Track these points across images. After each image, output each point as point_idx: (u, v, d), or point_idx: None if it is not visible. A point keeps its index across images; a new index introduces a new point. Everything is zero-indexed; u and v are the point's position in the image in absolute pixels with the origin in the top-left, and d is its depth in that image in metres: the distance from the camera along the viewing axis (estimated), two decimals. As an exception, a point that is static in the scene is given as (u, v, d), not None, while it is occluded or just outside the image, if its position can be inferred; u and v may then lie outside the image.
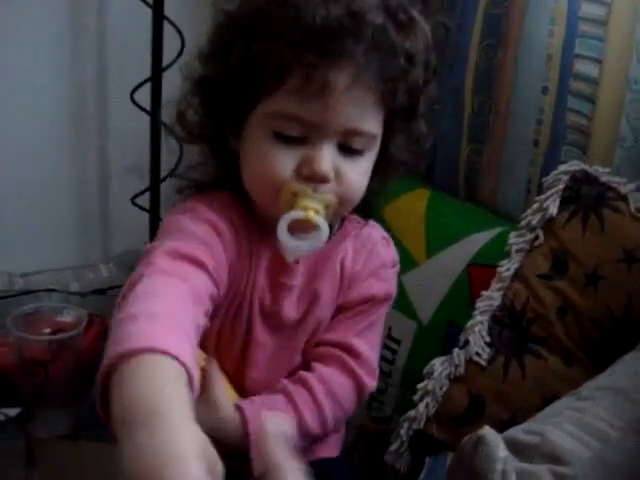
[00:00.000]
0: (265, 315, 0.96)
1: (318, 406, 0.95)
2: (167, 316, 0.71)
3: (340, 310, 1.00)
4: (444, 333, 1.32)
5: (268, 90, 0.85)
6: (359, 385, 0.98)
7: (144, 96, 1.60)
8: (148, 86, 1.60)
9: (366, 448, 1.29)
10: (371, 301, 1.00)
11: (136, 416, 0.59)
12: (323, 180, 0.86)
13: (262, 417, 0.88)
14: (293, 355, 0.99)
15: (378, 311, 1.02)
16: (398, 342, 1.35)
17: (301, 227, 0.86)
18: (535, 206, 1.20)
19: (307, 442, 0.95)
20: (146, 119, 1.60)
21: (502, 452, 0.87)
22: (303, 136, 0.85)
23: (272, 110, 0.85)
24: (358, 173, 0.89)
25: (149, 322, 0.68)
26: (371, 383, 1.00)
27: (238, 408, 0.92)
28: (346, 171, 0.87)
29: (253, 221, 0.94)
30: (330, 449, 1.04)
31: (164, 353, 0.64)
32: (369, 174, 0.92)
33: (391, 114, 0.89)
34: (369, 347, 1.00)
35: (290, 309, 0.96)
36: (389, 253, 1.03)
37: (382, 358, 1.35)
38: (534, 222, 1.19)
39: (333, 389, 0.96)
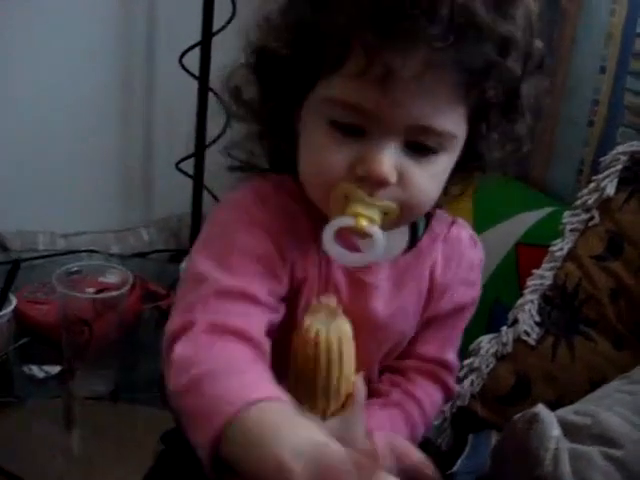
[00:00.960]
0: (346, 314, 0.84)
1: (426, 419, 0.91)
2: (248, 368, 0.68)
3: (431, 322, 0.91)
4: (488, 312, 1.30)
5: (328, 71, 0.73)
6: (448, 395, 0.95)
7: (193, 61, 1.59)
8: (197, 51, 1.59)
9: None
10: (462, 311, 0.92)
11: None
12: (381, 183, 0.72)
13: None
14: (372, 365, 0.90)
15: (466, 317, 0.94)
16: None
17: (354, 234, 0.76)
18: (592, 186, 1.18)
19: None
20: (194, 84, 1.60)
21: (556, 431, 0.85)
22: (362, 128, 0.72)
23: (329, 95, 0.73)
24: (427, 177, 0.75)
25: (236, 377, 0.66)
26: (455, 388, 0.97)
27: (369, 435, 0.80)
28: (412, 175, 0.73)
29: (317, 211, 0.81)
30: None
31: (271, 399, 0.64)
32: (444, 178, 0.78)
33: (481, 108, 0.75)
34: (456, 354, 0.96)
35: (379, 307, 0.85)
36: (477, 254, 0.92)
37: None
38: (590, 202, 1.16)
39: (434, 400, 0.93)
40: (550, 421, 0.86)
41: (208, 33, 1.57)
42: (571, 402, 1.02)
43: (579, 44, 1.36)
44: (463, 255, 0.90)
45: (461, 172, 0.81)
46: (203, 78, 1.58)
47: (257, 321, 0.74)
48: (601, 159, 1.20)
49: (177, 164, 1.66)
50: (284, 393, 0.66)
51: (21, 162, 1.66)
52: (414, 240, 0.88)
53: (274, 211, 0.79)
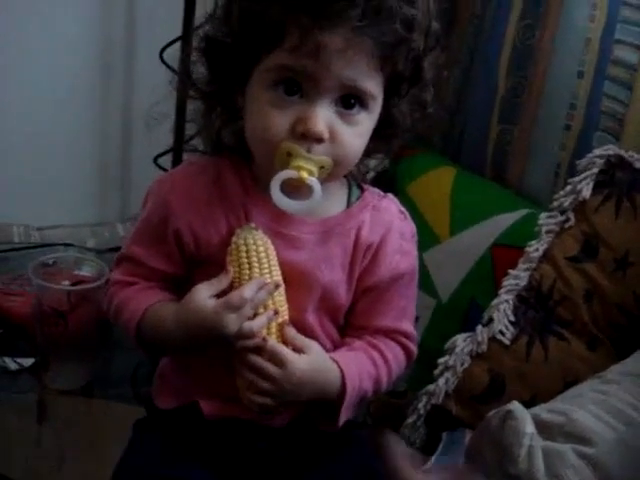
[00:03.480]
0: None
1: (389, 372, 0.98)
2: (136, 295, 0.97)
3: (375, 292, 0.99)
4: (464, 312, 1.31)
5: (267, 49, 0.87)
6: (409, 357, 1.02)
7: (174, 55, 1.59)
8: (178, 45, 1.58)
9: (379, 421, 1.28)
10: (402, 279, 0.99)
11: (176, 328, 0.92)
12: (317, 139, 0.87)
13: (355, 374, 0.94)
14: (303, 311, 0.96)
15: (411, 285, 1.02)
16: (416, 319, 1.33)
17: (295, 188, 0.87)
18: (568, 188, 1.19)
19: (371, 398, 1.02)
20: (174, 79, 1.59)
21: (529, 428, 0.87)
22: (300, 86, 0.87)
23: (270, 65, 0.87)
24: (354, 135, 0.90)
25: (132, 303, 0.96)
26: (415, 350, 1.03)
27: (333, 361, 0.95)
28: (342, 132, 0.88)
29: (251, 182, 0.96)
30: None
31: (154, 303, 0.95)
32: (366, 137, 0.92)
33: (393, 79, 0.91)
34: (412, 322, 1.03)
35: (302, 256, 0.95)
36: (407, 226, 1.02)
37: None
38: (566, 204, 1.18)
39: (397, 355, 1.00)
40: (524, 418, 0.88)
41: (189, 27, 1.56)
42: (545, 401, 1.03)
43: (558, 49, 1.38)
44: (392, 224, 0.99)
45: (380, 140, 0.95)
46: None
47: (143, 273, 0.98)
48: (577, 162, 1.22)
49: (155, 159, 1.65)
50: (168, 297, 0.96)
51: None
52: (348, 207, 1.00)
53: (181, 187, 0.96)
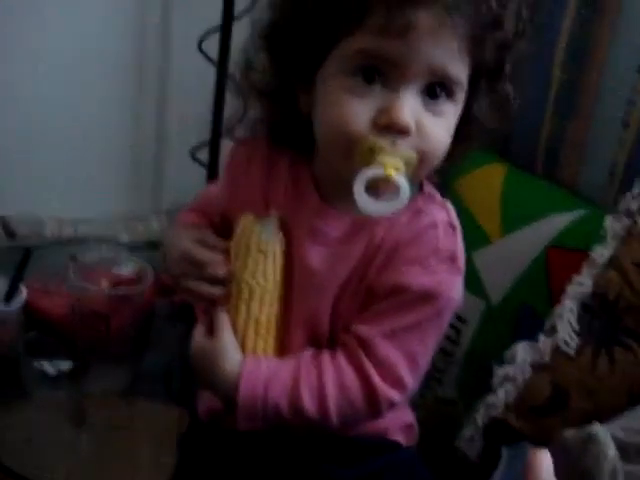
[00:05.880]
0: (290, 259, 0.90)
1: (321, 389, 0.85)
2: None
3: (371, 295, 0.87)
4: (515, 315, 1.26)
5: (345, 33, 0.78)
6: (371, 391, 0.86)
7: (212, 46, 1.55)
8: (217, 36, 1.54)
9: (429, 431, 1.25)
10: (405, 293, 0.85)
11: None
12: (403, 131, 0.78)
13: (260, 380, 0.85)
14: (316, 316, 0.89)
15: (419, 311, 0.85)
16: (464, 321, 1.30)
17: (377, 187, 0.78)
18: (636, 191, 1.14)
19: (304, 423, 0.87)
20: (212, 70, 1.55)
21: (612, 451, 0.82)
22: (383, 73, 0.78)
23: (351, 49, 0.78)
24: (441, 128, 0.81)
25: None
26: (392, 393, 0.86)
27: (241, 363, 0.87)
28: (428, 124, 0.79)
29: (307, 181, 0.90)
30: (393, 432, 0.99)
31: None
32: (451, 132, 0.83)
33: (476, 71, 0.82)
34: (401, 353, 0.86)
35: (315, 257, 0.87)
36: (450, 243, 0.87)
37: (445, 337, 1.31)
38: (634, 207, 1.12)
39: (344, 382, 0.86)
40: (607, 441, 0.83)
41: (229, 17, 1.52)
42: (608, 415, 0.99)
43: (618, 40, 1.32)
44: (427, 232, 0.86)
45: (457, 140, 0.85)
46: (222, 64, 1.54)
47: None
48: (646, 163, 1.17)
49: (192, 152, 1.61)
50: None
51: (30, 147, 1.62)
52: None
53: (242, 156, 0.94)
